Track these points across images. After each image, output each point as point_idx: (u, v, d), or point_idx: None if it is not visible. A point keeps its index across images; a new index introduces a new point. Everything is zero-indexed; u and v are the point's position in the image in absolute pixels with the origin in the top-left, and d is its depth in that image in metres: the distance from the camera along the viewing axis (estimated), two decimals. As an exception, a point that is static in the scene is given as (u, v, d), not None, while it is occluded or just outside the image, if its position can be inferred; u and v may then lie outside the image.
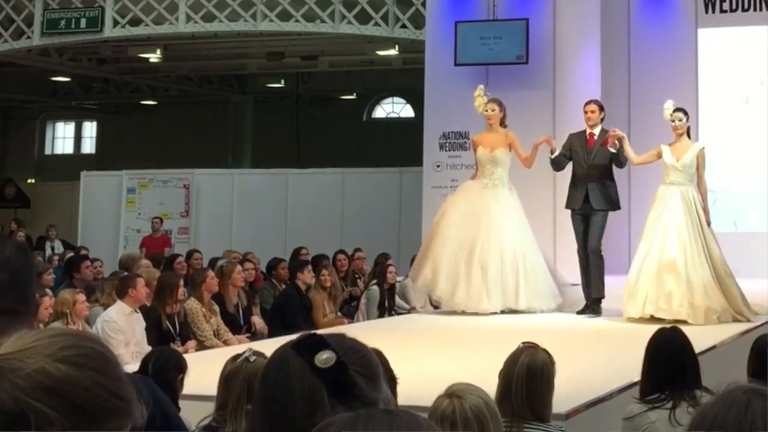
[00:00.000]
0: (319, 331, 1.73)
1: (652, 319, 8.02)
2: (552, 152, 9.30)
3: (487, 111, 9.40)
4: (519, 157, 9.36)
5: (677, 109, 8.83)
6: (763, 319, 8.43)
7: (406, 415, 1.29)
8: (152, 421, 1.41)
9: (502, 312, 8.78)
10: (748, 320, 8.33)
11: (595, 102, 9.53)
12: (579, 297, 9.14)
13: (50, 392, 1.22)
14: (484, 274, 8.87)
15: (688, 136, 8.87)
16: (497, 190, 9.23)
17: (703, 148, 8.81)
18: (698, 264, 8.32)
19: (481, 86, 9.65)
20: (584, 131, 9.25)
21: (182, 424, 3.73)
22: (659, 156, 8.78)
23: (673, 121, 8.76)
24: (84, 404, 1.23)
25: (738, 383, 1.44)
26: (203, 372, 5.14)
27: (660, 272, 8.29)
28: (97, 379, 1.25)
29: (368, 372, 1.57)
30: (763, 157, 13.41)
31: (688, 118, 8.87)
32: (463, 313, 8.74)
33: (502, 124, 9.43)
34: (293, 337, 1.64)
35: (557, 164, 9.32)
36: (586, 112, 9.28)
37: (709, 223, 8.64)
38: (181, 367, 4.46)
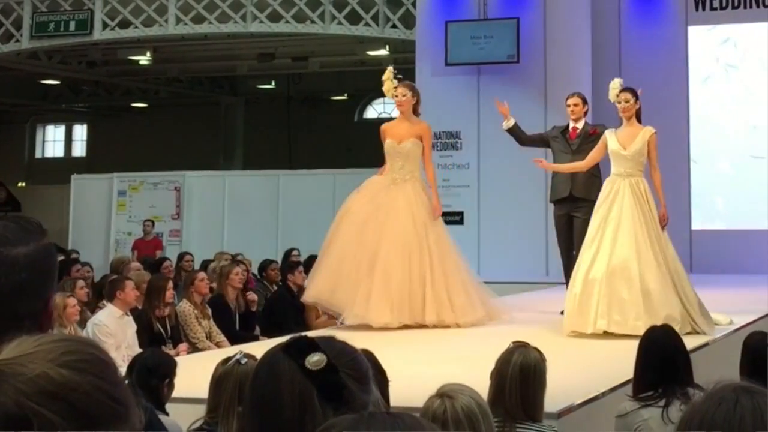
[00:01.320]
0: (309, 333, 1.72)
1: (606, 335, 7.08)
2: (505, 121, 8.94)
3: (397, 96, 8.22)
4: (424, 154, 8.22)
5: (625, 89, 7.86)
6: (726, 330, 7.53)
7: (409, 417, 1.30)
8: None
9: (408, 327, 7.63)
10: (705, 333, 7.22)
11: (578, 95, 8.98)
12: (509, 305, 8.50)
13: (52, 396, 1.24)
14: (387, 285, 7.67)
15: (638, 120, 7.82)
16: (406, 186, 8.10)
17: (655, 132, 7.69)
18: (654, 267, 7.26)
19: (390, 67, 8.38)
20: (567, 126, 9.08)
21: None
22: (606, 146, 7.79)
23: (620, 102, 7.78)
24: (85, 408, 1.25)
25: (727, 381, 1.43)
26: (195, 375, 5.13)
27: (611, 279, 7.19)
28: (97, 384, 1.27)
29: (358, 374, 1.57)
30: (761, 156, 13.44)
31: (636, 99, 7.81)
32: (370, 328, 7.50)
33: (415, 112, 8.29)
34: (284, 338, 1.64)
35: (515, 136, 9.17)
36: (568, 106, 8.78)
37: (664, 224, 7.55)
38: (168, 372, 4.43)
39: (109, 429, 1.26)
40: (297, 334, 1.63)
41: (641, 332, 6.39)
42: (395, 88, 8.20)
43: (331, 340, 1.61)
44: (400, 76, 8.33)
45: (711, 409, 1.37)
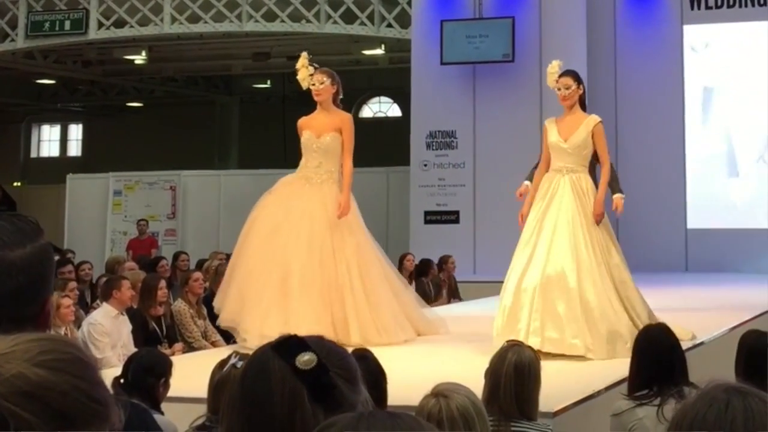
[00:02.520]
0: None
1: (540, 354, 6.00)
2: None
3: (314, 85, 7.22)
4: (343, 148, 7.19)
5: (565, 73, 6.79)
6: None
7: (408, 418, 1.29)
8: None
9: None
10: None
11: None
12: (446, 316, 7.85)
13: (28, 397, 1.22)
14: (305, 303, 6.70)
15: (582, 107, 6.77)
16: (323, 188, 7.09)
17: (600, 121, 6.68)
18: (597, 276, 6.29)
19: (305, 53, 7.45)
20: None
21: None
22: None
23: (559, 89, 6.73)
24: (62, 409, 1.23)
25: (719, 381, 1.43)
26: (191, 374, 5.12)
27: (545, 290, 6.23)
28: (75, 384, 1.25)
29: (348, 374, 1.57)
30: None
31: (580, 85, 6.75)
32: None
33: (336, 102, 7.32)
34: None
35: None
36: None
37: (597, 220, 6.50)
38: (163, 372, 4.43)
39: (88, 428, 1.25)
40: (286, 334, 1.62)
41: (580, 352, 6.05)
42: (311, 75, 7.24)
43: (321, 339, 1.61)
44: (315, 65, 7.33)
45: (702, 410, 1.37)
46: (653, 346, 4.25)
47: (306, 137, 7.21)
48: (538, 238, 6.40)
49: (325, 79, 7.23)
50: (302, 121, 7.33)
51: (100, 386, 1.29)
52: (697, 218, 13.54)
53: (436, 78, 13.73)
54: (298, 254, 6.83)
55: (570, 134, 6.60)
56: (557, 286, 6.22)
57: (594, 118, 6.67)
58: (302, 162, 7.22)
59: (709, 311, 8.71)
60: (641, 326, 5.91)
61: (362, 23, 15.74)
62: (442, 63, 13.62)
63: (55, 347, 1.27)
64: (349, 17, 15.75)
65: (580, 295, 6.19)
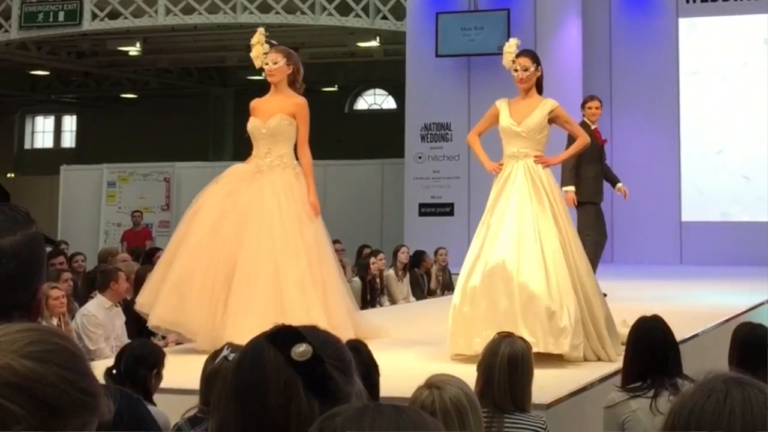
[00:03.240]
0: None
1: None
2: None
3: (267, 64, 6.51)
4: (299, 137, 6.52)
5: (523, 53, 6.31)
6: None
7: (413, 412, 1.29)
8: None
9: None
10: (609, 359, 5.72)
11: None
12: (438, 308, 7.54)
13: (15, 389, 1.22)
14: (250, 298, 6.10)
15: (539, 91, 6.32)
16: (273, 174, 6.43)
17: (557, 106, 6.21)
18: (544, 264, 5.75)
19: (262, 29, 6.71)
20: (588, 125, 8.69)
21: None
22: (496, 118, 6.26)
23: (516, 70, 6.23)
24: (49, 400, 1.23)
25: (718, 372, 1.42)
26: (184, 366, 5.11)
27: (488, 287, 5.78)
28: (62, 375, 1.25)
29: (343, 365, 1.56)
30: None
31: (538, 67, 6.26)
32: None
33: (294, 85, 6.63)
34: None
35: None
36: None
37: (542, 161, 6.06)
38: (156, 363, 4.42)
39: (76, 420, 1.24)
40: (280, 324, 1.61)
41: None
42: (266, 54, 6.53)
43: (315, 330, 1.60)
44: (273, 42, 6.69)
45: (701, 401, 1.36)
46: (647, 338, 4.25)
47: (252, 125, 6.56)
48: (488, 231, 6.02)
49: (279, 58, 6.50)
50: (253, 104, 6.65)
51: (89, 377, 1.28)
52: (691, 211, 13.55)
53: (431, 70, 13.71)
54: (246, 248, 6.19)
55: (524, 118, 6.15)
56: (500, 279, 5.76)
57: (552, 102, 6.23)
58: (253, 152, 6.57)
59: (703, 304, 8.72)
60: (599, 336, 5.72)
61: (357, 15, 15.71)
62: (437, 55, 13.61)
63: (42, 338, 1.27)
64: (344, 9, 15.73)
65: (520, 286, 5.69)
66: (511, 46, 6.33)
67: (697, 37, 13.81)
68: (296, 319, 5.01)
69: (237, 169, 6.67)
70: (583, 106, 9.28)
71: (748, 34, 13.54)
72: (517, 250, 5.81)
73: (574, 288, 5.77)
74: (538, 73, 6.26)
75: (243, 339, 4.48)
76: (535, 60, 6.29)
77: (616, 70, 13.99)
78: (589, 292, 5.88)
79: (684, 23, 13.83)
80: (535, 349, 5.12)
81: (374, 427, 1.24)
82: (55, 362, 1.25)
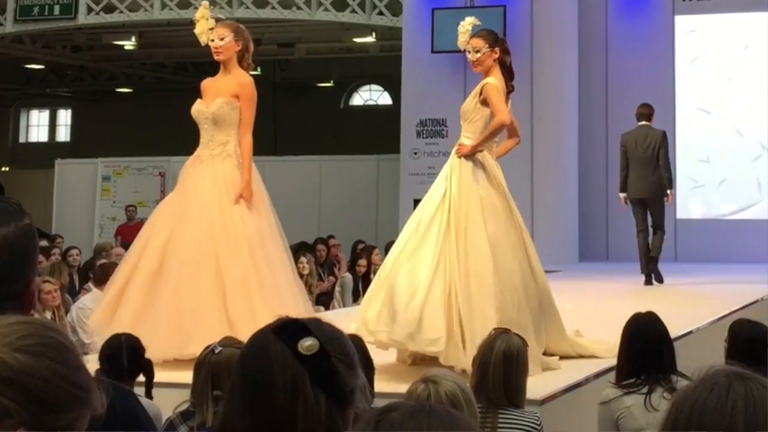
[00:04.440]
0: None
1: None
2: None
3: (213, 41, 5.95)
4: (241, 120, 5.85)
5: (477, 34, 5.91)
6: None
7: (462, 418, 1.32)
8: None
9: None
10: (547, 367, 5.31)
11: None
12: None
13: (8, 383, 1.21)
14: (174, 304, 5.50)
15: (509, 75, 5.92)
16: (216, 164, 5.84)
17: (486, 84, 5.73)
18: (414, 258, 5.31)
19: (205, 2, 6.21)
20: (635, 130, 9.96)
21: None
22: None
23: (469, 51, 5.85)
24: (42, 394, 1.23)
25: (719, 366, 1.41)
26: (179, 360, 5.11)
27: (384, 279, 5.44)
28: (55, 369, 1.24)
29: (347, 359, 1.57)
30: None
31: (493, 48, 5.82)
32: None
33: (243, 63, 6.00)
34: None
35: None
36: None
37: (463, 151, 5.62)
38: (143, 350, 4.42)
39: (69, 413, 1.24)
40: (287, 317, 1.60)
41: (383, 345, 5.06)
42: (211, 30, 5.99)
43: (320, 323, 1.60)
44: (220, 16, 6.25)
45: (703, 395, 1.35)
46: (642, 335, 4.25)
47: (195, 109, 5.99)
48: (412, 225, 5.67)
49: (227, 34, 5.93)
50: (203, 84, 6.13)
51: (81, 371, 1.28)
52: (686, 208, 13.55)
53: (427, 66, 13.69)
54: (172, 245, 5.64)
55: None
56: (385, 272, 5.46)
57: (485, 80, 5.76)
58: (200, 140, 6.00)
59: (698, 301, 8.73)
60: (470, 323, 5.12)
61: (353, 11, 15.69)
62: (433, 51, 13.59)
63: (35, 332, 1.26)
64: (340, 5, 15.71)
65: (391, 280, 5.33)
66: (465, 25, 5.96)
67: (694, 34, 13.81)
68: (239, 316, 4.81)
69: (188, 161, 6.09)
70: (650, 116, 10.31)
71: (746, 32, 13.53)
72: (402, 242, 5.49)
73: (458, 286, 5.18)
74: (495, 55, 5.80)
75: (177, 352, 4.46)
76: (489, 40, 5.83)
77: (612, 65, 13.98)
78: (474, 294, 5.20)
79: (681, 21, 13.83)
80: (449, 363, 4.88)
81: (431, 427, 1.26)
82: (47, 356, 1.24)
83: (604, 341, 5.57)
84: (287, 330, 1.55)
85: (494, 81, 5.74)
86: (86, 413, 1.27)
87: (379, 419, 1.28)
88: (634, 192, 10.00)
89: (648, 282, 9.92)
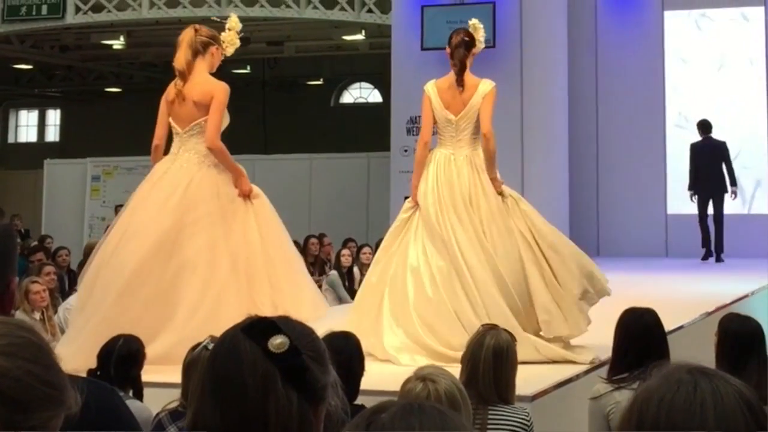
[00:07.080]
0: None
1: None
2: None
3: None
4: (210, 126, 5.92)
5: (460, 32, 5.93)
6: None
7: (453, 415, 1.30)
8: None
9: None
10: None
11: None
12: None
13: None
14: (136, 307, 5.26)
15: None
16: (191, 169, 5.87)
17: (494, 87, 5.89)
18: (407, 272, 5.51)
19: (235, 17, 6.38)
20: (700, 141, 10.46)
21: None
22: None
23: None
24: (15, 395, 1.22)
25: (679, 362, 1.39)
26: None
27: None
28: (28, 369, 1.24)
29: (318, 356, 1.55)
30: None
31: (468, 45, 5.85)
32: None
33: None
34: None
35: None
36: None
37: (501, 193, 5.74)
38: (142, 359, 4.38)
39: (43, 413, 1.23)
40: (254, 315, 1.59)
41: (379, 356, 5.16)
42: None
43: (289, 320, 1.58)
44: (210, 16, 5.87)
45: (669, 392, 1.32)
46: (634, 330, 4.24)
47: (162, 108, 6.18)
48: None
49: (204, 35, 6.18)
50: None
51: (54, 369, 1.27)
52: (677, 204, 13.57)
53: (417, 63, 13.67)
54: (137, 241, 5.59)
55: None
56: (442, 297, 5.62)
57: (489, 82, 6.06)
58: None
59: (689, 296, 8.74)
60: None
61: (342, 8, 15.67)
62: (422, 48, 13.57)
63: (8, 331, 1.25)
64: (329, 2, 15.68)
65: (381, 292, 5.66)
66: (476, 23, 6.19)
67: (684, 29, 13.82)
68: (177, 321, 4.93)
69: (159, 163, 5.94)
70: None
71: (735, 27, 13.55)
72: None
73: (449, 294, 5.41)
74: (476, 51, 6.10)
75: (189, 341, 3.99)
76: (468, 37, 6.04)
77: (601, 63, 13.99)
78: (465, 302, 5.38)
79: (670, 16, 13.84)
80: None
81: (423, 426, 1.24)
82: (20, 356, 1.23)
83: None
84: (257, 328, 1.54)
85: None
86: (60, 413, 1.25)
87: (370, 421, 1.27)
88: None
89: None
